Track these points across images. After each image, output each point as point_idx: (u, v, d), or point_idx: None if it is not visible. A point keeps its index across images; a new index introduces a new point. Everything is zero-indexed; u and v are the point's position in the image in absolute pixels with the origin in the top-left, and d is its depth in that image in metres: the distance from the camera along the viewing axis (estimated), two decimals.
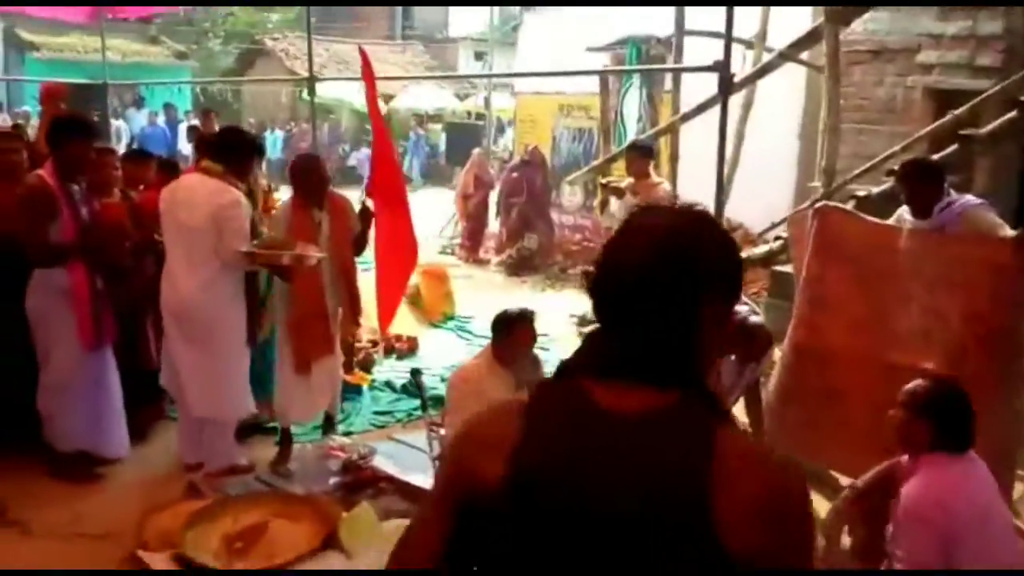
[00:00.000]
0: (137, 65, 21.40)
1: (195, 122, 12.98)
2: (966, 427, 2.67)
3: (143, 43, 24.00)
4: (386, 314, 5.47)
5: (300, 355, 4.47)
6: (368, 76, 5.42)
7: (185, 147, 13.10)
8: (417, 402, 5.01)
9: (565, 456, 1.13)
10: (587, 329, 7.40)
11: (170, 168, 5.40)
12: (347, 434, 4.94)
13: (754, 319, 4.24)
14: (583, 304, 8.45)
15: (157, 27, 25.50)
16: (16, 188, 4.14)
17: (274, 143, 19.83)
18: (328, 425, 4.87)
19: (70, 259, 4.09)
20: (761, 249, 7.46)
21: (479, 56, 24.23)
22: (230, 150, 4.30)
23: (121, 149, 9.63)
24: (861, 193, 6.43)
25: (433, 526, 1.26)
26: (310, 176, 4.52)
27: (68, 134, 4.15)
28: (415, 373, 4.33)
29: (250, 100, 24.99)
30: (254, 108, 24.04)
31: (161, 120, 17.72)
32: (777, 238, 7.30)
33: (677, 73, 7.76)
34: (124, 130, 16.86)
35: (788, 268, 5.62)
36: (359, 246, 4.81)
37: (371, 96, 5.46)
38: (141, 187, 5.12)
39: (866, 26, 8.41)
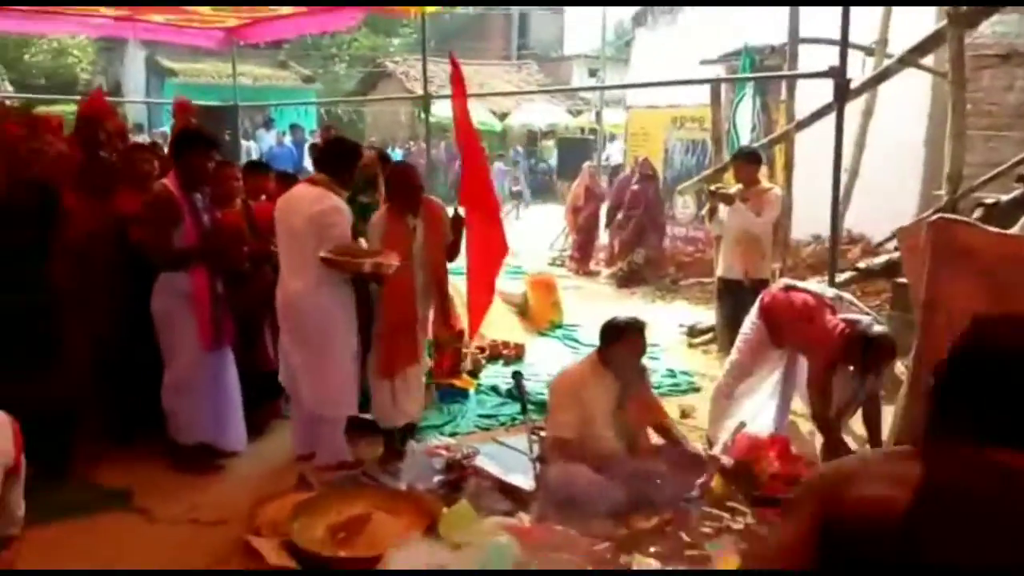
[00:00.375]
0: (267, 88, 22.55)
1: (317, 140, 13.53)
2: None
3: (272, 68, 25.27)
4: (476, 319, 5.55)
5: (387, 362, 4.54)
6: (458, 85, 5.44)
7: (310, 165, 13.67)
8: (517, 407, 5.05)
9: (972, 514, 1.16)
10: (697, 340, 7.31)
11: (287, 180, 5.68)
12: (452, 435, 5.04)
13: (876, 329, 4.08)
14: (693, 315, 8.33)
15: (285, 52, 26.81)
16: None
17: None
18: (409, 430, 4.82)
19: (192, 263, 4.31)
20: (881, 259, 7.15)
21: (593, 73, 24.29)
22: (334, 160, 4.52)
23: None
24: (989, 200, 6.07)
25: (793, 556, 1.28)
26: (405, 184, 4.58)
27: (190, 146, 4.40)
28: (516, 375, 4.37)
29: (372, 120, 25.86)
30: (375, 128, 24.85)
31: (288, 140, 18.57)
32: (898, 248, 6.96)
33: (792, 81, 7.55)
34: (254, 149, 17.74)
35: None
36: (451, 253, 4.82)
37: (461, 105, 5.45)
38: (262, 198, 5.39)
39: (994, 28, 7.96)
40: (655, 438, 4.27)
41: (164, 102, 20.44)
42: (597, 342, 4.18)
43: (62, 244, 4.36)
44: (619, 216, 10.65)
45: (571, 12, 31.07)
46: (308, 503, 3.74)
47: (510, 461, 4.40)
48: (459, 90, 5.45)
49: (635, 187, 10.65)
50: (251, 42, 9.77)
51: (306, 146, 15.92)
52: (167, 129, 15.83)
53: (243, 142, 14.87)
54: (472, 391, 5.86)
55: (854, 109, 7.27)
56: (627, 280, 10.31)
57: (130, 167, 4.91)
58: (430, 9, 6.89)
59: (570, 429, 3.89)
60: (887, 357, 4.14)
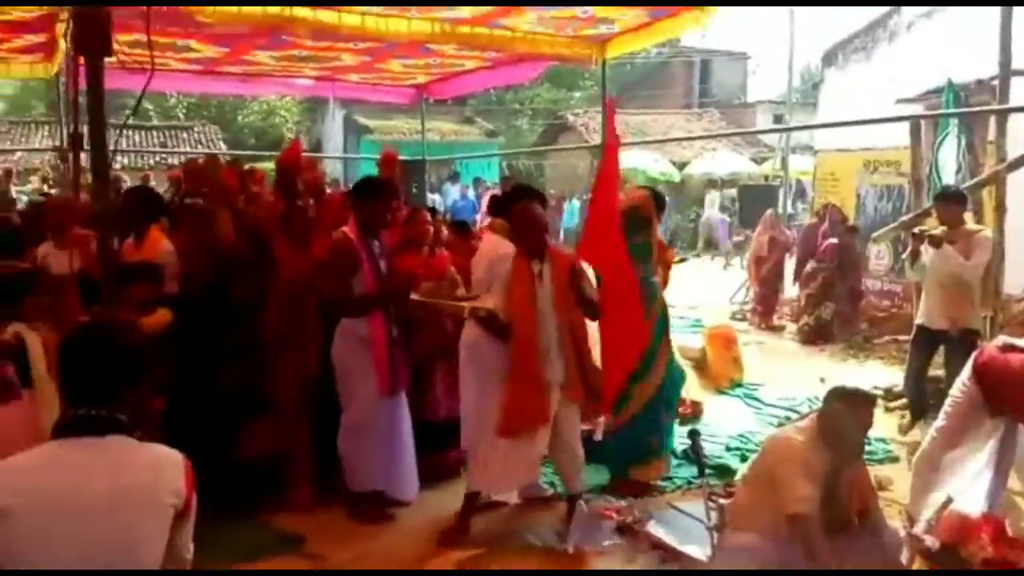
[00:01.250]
0: (453, 143, 23.50)
1: (496, 191, 13.88)
2: None
3: (458, 123, 26.40)
4: (608, 390, 4.53)
5: (505, 417, 4.16)
6: (610, 131, 4.70)
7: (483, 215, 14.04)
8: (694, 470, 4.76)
9: None
10: (893, 404, 6.70)
11: (461, 229, 5.76)
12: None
13: None
14: (888, 376, 7.67)
15: (471, 108, 27.95)
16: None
17: (571, 213, 20.60)
18: (571, 501, 4.47)
19: (371, 309, 4.37)
20: None
21: (778, 119, 23.53)
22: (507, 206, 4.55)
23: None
24: None
25: None
26: (527, 225, 4.28)
27: (370, 194, 4.49)
28: (693, 435, 4.10)
29: (551, 173, 26.31)
30: (555, 180, 25.25)
31: (471, 193, 19.21)
32: None
33: (1002, 117, 6.88)
34: (439, 203, 18.46)
35: None
36: (589, 310, 4.37)
37: (609, 153, 4.54)
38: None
39: None
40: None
41: (358, 157, 21.85)
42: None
43: (274, 291, 4.62)
44: (808, 267, 10.08)
45: (755, 57, 30.45)
46: (473, 560, 3.68)
47: (685, 529, 4.15)
48: (612, 139, 4.67)
49: (812, 236, 10.08)
50: (439, 97, 10.18)
51: (486, 196, 16.39)
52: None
53: (429, 195, 15.48)
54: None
55: None
56: (814, 336, 9.69)
57: (325, 216, 5.17)
58: (612, 52, 6.84)
59: (813, 505, 3.39)
60: None
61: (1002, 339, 4.28)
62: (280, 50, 6.95)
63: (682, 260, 5.23)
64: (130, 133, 23.33)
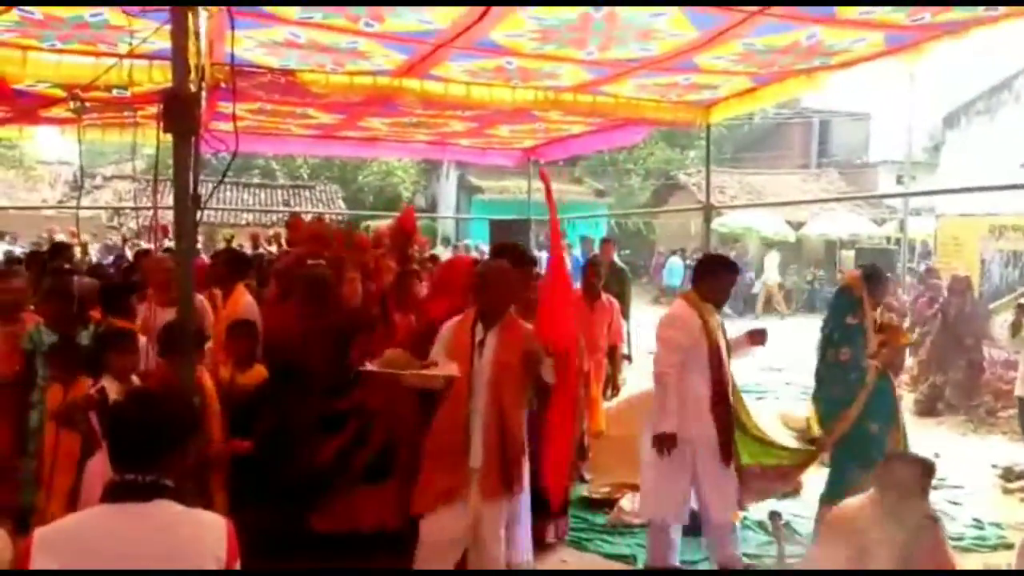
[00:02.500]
0: (560, 202, 23.74)
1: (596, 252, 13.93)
2: None
3: (568, 183, 26.72)
4: (555, 484, 4.13)
5: (415, 493, 3.88)
6: (548, 197, 4.51)
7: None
8: (794, 549, 4.57)
9: None
10: (1014, 485, 6.27)
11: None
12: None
13: None
14: (1012, 453, 7.20)
15: (581, 168, 28.27)
16: None
17: (671, 271, 20.41)
18: None
19: None
20: None
21: (900, 180, 22.74)
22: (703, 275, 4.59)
23: None
24: None
25: None
26: (480, 285, 3.93)
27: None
28: (773, 516, 3.89)
29: (660, 231, 26.20)
30: (664, 238, 25.14)
31: (578, 251, 19.34)
32: None
33: None
34: (546, 260, 18.64)
35: None
36: (540, 397, 4.01)
37: (552, 220, 4.42)
38: None
39: None
40: None
41: (469, 217, 22.42)
42: None
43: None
44: (915, 333, 9.66)
45: (878, 117, 29.70)
46: None
47: None
48: (549, 202, 4.50)
49: (925, 302, 9.63)
50: (546, 160, 10.40)
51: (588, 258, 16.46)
52: (468, 242, 17.27)
53: (535, 253, 15.68)
54: (737, 523, 5.42)
55: None
56: (931, 407, 9.22)
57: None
58: (716, 117, 6.85)
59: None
60: None
61: None
62: (392, 116, 7.30)
63: (911, 343, 4.94)
64: (256, 191, 24.79)
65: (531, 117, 7.31)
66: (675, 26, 4.38)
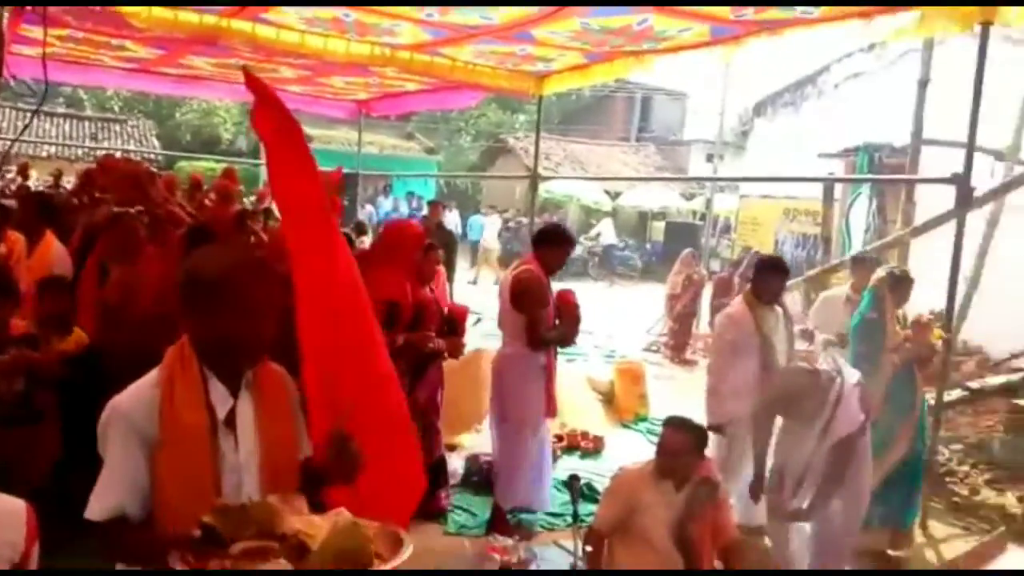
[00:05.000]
0: (391, 158, 23.51)
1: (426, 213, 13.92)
2: None
3: (399, 138, 26.40)
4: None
5: None
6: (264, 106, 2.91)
7: None
8: (593, 507, 4.82)
9: None
10: None
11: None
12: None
13: None
14: None
15: (413, 124, 27.97)
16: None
17: (472, 227, 20.02)
18: None
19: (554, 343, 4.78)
20: (999, 379, 6.71)
21: (710, 158, 24.24)
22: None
23: (370, 232, 10.54)
24: None
25: None
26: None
27: (558, 240, 4.81)
28: (571, 480, 3.95)
29: (487, 192, 26.51)
30: (489, 198, 25.49)
31: (403, 206, 19.31)
32: (1018, 369, 6.54)
33: (911, 184, 7.29)
34: (372, 214, 18.41)
35: None
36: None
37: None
38: None
39: None
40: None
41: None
42: None
43: None
44: (717, 304, 10.43)
45: (694, 97, 31.29)
46: None
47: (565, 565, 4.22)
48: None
49: (725, 276, 10.40)
50: (379, 114, 10.22)
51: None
52: None
53: (365, 207, 15.47)
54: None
55: (977, 216, 6.94)
56: None
57: None
58: (548, 89, 7.01)
59: (603, 523, 3.61)
60: None
61: None
62: (217, 57, 6.92)
63: (941, 338, 5.04)
64: (60, 121, 22.68)
65: (366, 71, 7.16)
66: None
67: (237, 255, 2.00)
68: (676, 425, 3.60)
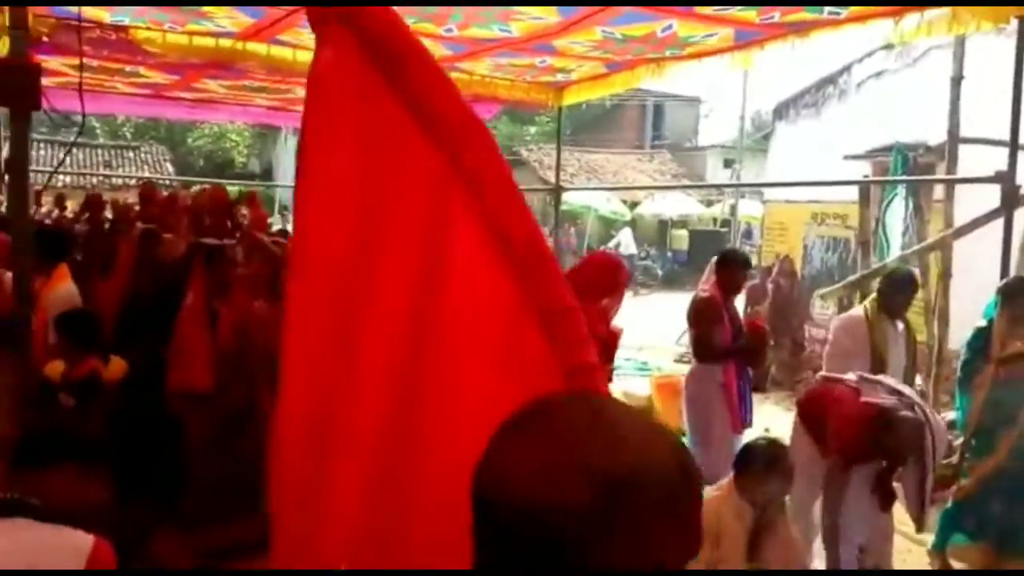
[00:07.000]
0: None
1: None
2: None
3: None
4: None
5: None
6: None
7: None
8: None
9: None
10: None
11: None
12: None
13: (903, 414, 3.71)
14: None
15: None
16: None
17: None
18: None
19: (728, 358, 4.96)
20: None
21: (728, 164, 23.99)
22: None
23: None
24: None
25: None
26: None
27: (735, 262, 5.18)
28: None
29: None
30: None
31: None
32: None
33: (950, 184, 7.05)
34: None
35: None
36: None
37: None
38: None
39: None
40: None
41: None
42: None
43: None
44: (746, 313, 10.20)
45: (708, 102, 31.09)
46: None
47: None
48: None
49: (757, 284, 10.19)
50: None
51: None
52: None
53: None
54: None
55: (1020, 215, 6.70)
56: (759, 383, 9.77)
57: None
58: (568, 100, 6.87)
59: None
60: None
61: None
62: (231, 79, 6.81)
63: None
64: (74, 150, 22.76)
65: None
66: (539, 10, 4.28)
67: None
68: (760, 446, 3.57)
